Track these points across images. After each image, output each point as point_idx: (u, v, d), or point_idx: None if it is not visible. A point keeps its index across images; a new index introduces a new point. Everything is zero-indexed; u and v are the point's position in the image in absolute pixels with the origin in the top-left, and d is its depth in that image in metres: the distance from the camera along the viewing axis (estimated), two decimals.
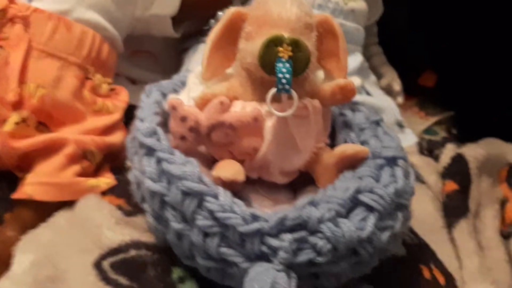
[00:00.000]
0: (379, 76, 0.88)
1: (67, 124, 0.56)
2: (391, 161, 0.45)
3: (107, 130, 0.58)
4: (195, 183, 0.40)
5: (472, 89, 0.91)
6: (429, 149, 0.73)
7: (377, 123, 0.50)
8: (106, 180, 0.55)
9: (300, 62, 0.43)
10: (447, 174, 0.64)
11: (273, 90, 0.43)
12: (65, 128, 0.56)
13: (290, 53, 0.42)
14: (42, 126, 0.55)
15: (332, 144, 0.50)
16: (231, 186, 0.43)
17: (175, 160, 0.42)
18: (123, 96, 0.63)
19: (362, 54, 0.81)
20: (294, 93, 0.43)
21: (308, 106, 0.45)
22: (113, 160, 0.59)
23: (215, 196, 0.40)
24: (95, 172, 0.56)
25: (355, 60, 0.77)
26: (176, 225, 0.42)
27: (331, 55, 0.49)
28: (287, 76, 0.42)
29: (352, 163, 0.45)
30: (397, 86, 0.85)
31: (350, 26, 0.77)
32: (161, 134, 0.44)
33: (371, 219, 0.40)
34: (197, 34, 0.76)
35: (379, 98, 0.78)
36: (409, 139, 0.76)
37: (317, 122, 0.47)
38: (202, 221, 0.40)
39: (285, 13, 0.44)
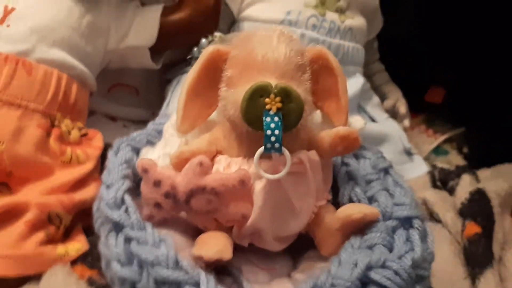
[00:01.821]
0: (382, 96, 0.81)
1: (32, 181, 0.49)
2: (406, 223, 0.38)
3: (78, 184, 0.51)
4: (171, 269, 0.33)
5: (483, 103, 0.84)
6: (442, 180, 0.65)
7: (386, 171, 0.43)
8: (76, 245, 0.48)
9: (291, 114, 0.36)
10: (466, 213, 0.56)
11: (261, 150, 0.36)
12: (29, 186, 0.49)
13: (279, 105, 0.35)
14: (2, 186, 0.48)
15: (335, 200, 0.43)
16: (215, 265, 0.36)
17: (147, 240, 0.35)
18: (96, 142, 0.56)
19: (363, 74, 0.74)
20: (286, 152, 0.36)
21: (304, 161, 0.38)
22: (86, 218, 0.52)
23: (196, 285, 0.33)
24: (65, 236, 0.49)
25: (356, 82, 0.70)
26: None
27: (328, 95, 0.42)
28: (276, 132, 0.35)
29: (359, 227, 0.38)
30: (402, 108, 0.77)
31: (349, 46, 0.70)
32: (130, 205, 0.37)
33: None
34: (181, 63, 0.69)
35: (384, 124, 0.71)
36: (419, 169, 0.69)
37: (316, 177, 0.39)
38: None
39: (271, 54, 0.37)
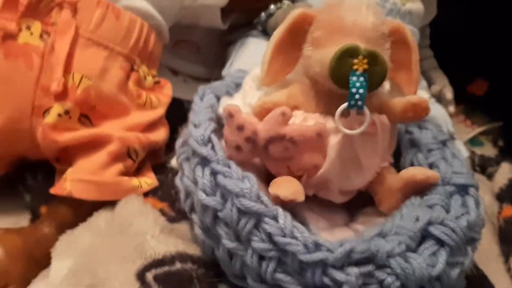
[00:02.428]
0: (428, 81, 0.83)
1: (110, 118, 0.53)
2: (462, 189, 0.42)
3: (151, 126, 0.56)
4: (253, 201, 0.37)
5: None
6: (481, 166, 0.69)
7: (445, 143, 0.47)
8: (149, 180, 0.52)
9: (376, 76, 0.39)
10: (504, 197, 0.60)
11: (344, 106, 0.39)
12: (108, 122, 0.53)
13: (366, 66, 0.38)
14: (84, 118, 0.52)
15: (396, 164, 0.46)
16: (289, 206, 0.40)
17: (232, 174, 0.39)
18: (167, 90, 0.60)
19: None
20: (367, 110, 0.39)
21: (377, 123, 0.42)
22: (154, 158, 0.57)
23: (275, 218, 0.37)
24: (137, 170, 0.54)
25: None
26: (228, 243, 0.39)
27: (401, 66, 0.45)
28: (361, 91, 0.38)
29: (420, 189, 0.42)
30: (449, 94, 0.80)
31: None
32: (216, 144, 0.41)
33: (443, 255, 0.37)
34: (245, 26, 0.72)
35: (432, 107, 0.74)
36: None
37: (384, 140, 0.43)
38: (258, 243, 0.37)
39: (360, 20, 0.40)
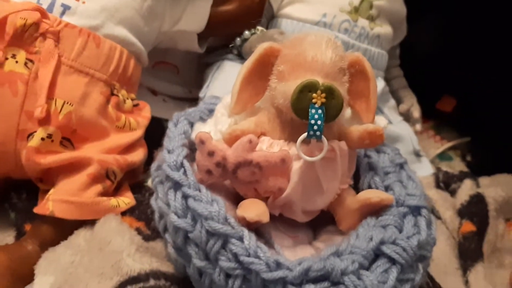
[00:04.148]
0: (398, 100, 0.88)
1: (91, 140, 0.56)
2: (415, 210, 0.45)
3: (129, 147, 0.59)
4: (221, 224, 0.41)
5: (489, 116, 0.91)
6: (445, 182, 0.73)
7: (402, 166, 0.51)
8: (126, 200, 0.55)
9: (332, 109, 0.43)
10: (464, 213, 0.64)
11: (304, 135, 0.43)
12: (88, 144, 0.56)
13: (324, 100, 0.42)
14: (66, 141, 0.55)
15: (356, 185, 0.50)
16: (255, 226, 0.43)
17: (202, 198, 0.42)
18: (145, 112, 0.63)
19: (384, 77, 0.81)
20: (325, 140, 0.43)
21: (336, 149, 0.45)
22: (132, 177, 0.60)
23: (240, 239, 0.40)
24: (115, 190, 0.57)
25: (377, 85, 0.77)
26: (198, 262, 0.42)
27: (360, 95, 0.49)
28: (319, 123, 0.42)
29: (375, 210, 0.46)
30: (416, 113, 0.84)
31: (375, 52, 0.77)
32: (188, 169, 0.45)
33: (393, 272, 0.41)
34: (222, 49, 0.76)
35: (398, 126, 0.78)
36: (425, 170, 0.76)
37: (343, 164, 0.47)
38: (225, 262, 0.40)
39: (320, 56, 0.44)
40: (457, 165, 0.90)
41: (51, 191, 0.53)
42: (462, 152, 0.94)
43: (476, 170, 0.82)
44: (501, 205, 0.64)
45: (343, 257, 0.40)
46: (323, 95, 0.42)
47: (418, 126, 0.84)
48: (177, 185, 0.44)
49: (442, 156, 0.93)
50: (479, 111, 0.93)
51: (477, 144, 0.94)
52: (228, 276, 0.41)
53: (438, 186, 0.73)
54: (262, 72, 0.48)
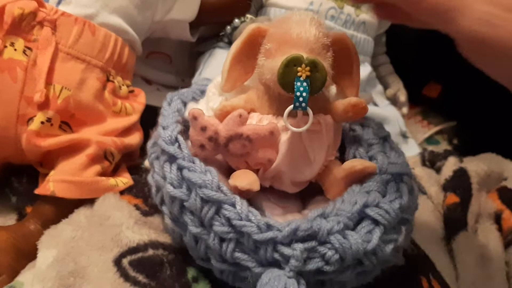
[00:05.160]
0: (385, 86, 0.91)
1: (88, 124, 0.59)
2: (397, 177, 0.48)
3: (126, 131, 0.61)
4: (214, 191, 0.43)
5: (474, 101, 0.94)
6: (431, 161, 0.75)
7: (385, 139, 0.53)
8: (124, 179, 0.58)
9: (317, 82, 0.45)
10: (448, 186, 0.66)
11: (290, 107, 0.45)
12: (86, 128, 0.58)
13: (308, 73, 0.45)
14: (65, 125, 0.57)
15: (342, 157, 0.53)
16: (246, 194, 0.46)
17: (196, 169, 0.45)
18: (140, 98, 0.66)
19: (370, 63, 0.84)
20: (310, 111, 0.45)
21: (321, 122, 0.48)
22: (129, 160, 0.62)
23: (233, 205, 0.43)
24: (114, 171, 0.59)
25: (364, 70, 0.80)
26: (193, 229, 0.45)
27: (344, 72, 0.52)
28: (304, 94, 0.44)
29: (360, 178, 0.48)
30: (402, 97, 0.87)
31: (361, 38, 0.79)
32: (182, 143, 0.47)
33: (377, 233, 0.43)
34: (213, 38, 0.78)
35: (385, 109, 0.81)
36: (412, 150, 0.79)
37: (329, 136, 0.49)
38: (219, 227, 0.43)
39: (304, 33, 0.47)
40: (444, 149, 0.92)
41: (52, 172, 0.55)
42: (449, 136, 0.97)
43: (463, 152, 0.85)
44: (484, 179, 0.66)
45: (329, 219, 0.43)
46: (308, 68, 0.45)
47: (405, 109, 0.87)
48: (172, 158, 0.46)
49: (430, 140, 0.96)
50: (464, 96, 0.96)
51: (463, 128, 0.97)
52: (222, 240, 0.43)
53: (424, 164, 0.75)
54: (251, 51, 0.50)
